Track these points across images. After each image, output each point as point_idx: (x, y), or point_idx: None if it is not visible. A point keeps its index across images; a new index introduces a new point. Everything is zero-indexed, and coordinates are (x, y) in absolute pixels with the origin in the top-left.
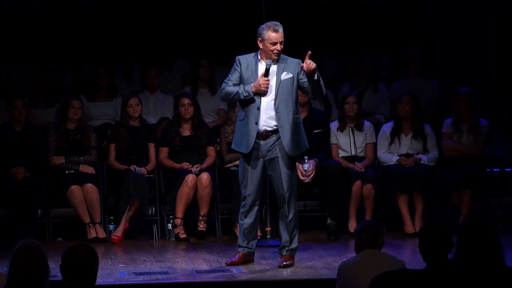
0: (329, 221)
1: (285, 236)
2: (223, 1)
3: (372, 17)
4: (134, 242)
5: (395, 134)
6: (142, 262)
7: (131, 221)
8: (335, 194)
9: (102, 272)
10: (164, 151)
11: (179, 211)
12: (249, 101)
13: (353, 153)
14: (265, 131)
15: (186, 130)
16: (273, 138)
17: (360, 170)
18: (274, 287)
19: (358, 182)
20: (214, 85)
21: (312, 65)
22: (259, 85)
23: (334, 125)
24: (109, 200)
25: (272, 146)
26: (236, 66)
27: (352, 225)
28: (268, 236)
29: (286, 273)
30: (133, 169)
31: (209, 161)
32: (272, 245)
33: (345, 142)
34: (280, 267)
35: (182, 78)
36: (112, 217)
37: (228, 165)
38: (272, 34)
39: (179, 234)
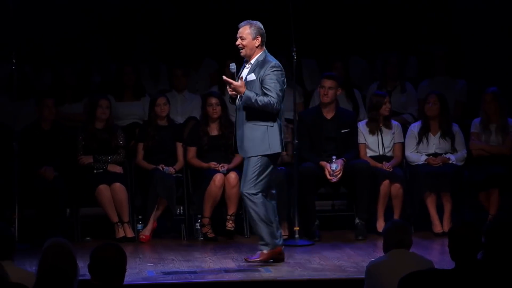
0: (357, 220)
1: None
2: (250, 1)
3: (399, 17)
4: (162, 241)
5: (423, 134)
6: (170, 262)
7: (159, 220)
8: (363, 194)
9: (130, 272)
10: (192, 150)
11: (207, 211)
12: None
13: (381, 152)
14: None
15: (213, 130)
16: None
17: (388, 169)
18: (302, 286)
19: (386, 182)
20: None
21: (232, 91)
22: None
23: (362, 125)
24: (137, 199)
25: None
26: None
27: (380, 225)
28: (296, 236)
29: (314, 273)
30: (161, 169)
31: (236, 160)
32: (301, 244)
33: (373, 142)
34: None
35: (209, 78)
36: (140, 217)
37: None
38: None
39: (207, 234)
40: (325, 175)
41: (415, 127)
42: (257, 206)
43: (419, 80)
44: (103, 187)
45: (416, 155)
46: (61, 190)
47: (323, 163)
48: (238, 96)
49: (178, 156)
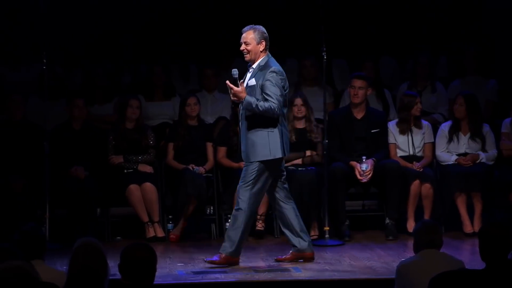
0: (387, 220)
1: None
2: (280, 1)
3: (430, 17)
4: (193, 241)
5: (453, 133)
6: (200, 261)
7: (190, 220)
8: (393, 194)
9: (161, 271)
10: (222, 150)
11: None
12: None
13: (411, 152)
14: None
15: None
16: None
17: (418, 169)
18: (332, 286)
19: (416, 182)
20: None
21: (233, 97)
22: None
23: (392, 125)
24: (167, 199)
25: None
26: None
27: (411, 225)
28: (326, 236)
29: (344, 273)
30: (191, 168)
31: None
32: (331, 244)
33: (403, 142)
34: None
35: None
36: (170, 216)
37: (286, 164)
38: (242, 35)
39: None
40: (355, 175)
41: (445, 127)
42: (242, 213)
43: (450, 80)
44: (133, 187)
45: (447, 155)
46: (91, 190)
47: (353, 163)
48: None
49: (208, 156)
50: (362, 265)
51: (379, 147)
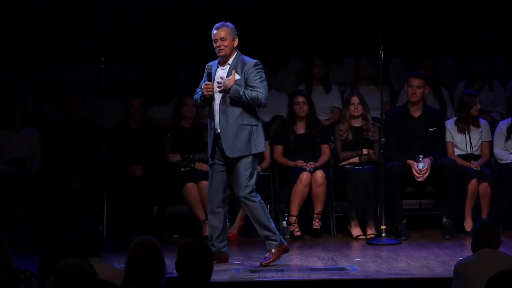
0: (444, 219)
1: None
2: (337, 0)
3: (487, 15)
4: (249, 239)
5: (511, 131)
6: (257, 260)
7: (246, 218)
8: (451, 193)
9: (217, 269)
10: (279, 149)
11: (294, 209)
12: (210, 107)
13: (468, 151)
14: (219, 133)
15: (300, 128)
16: None
17: (476, 168)
18: (389, 285)
19: (474, 181)
20: (328, 83)
21: (222, 85)
22: (202, 90)
23: (449, 123)
24: None
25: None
26: (204, 73)
27: (468, 224)
28: (383, 235)
29: (401, 272)
30: None
31: (323, 159)
32: (387, 243)
33: (461, 141)
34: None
35: (296, 76)
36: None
37: (342, 163)
38: (214, 32)
39: (294, 232)
40: (412, 174)
41: (504, 124)
42: (258, 204)
43: (507, 79)
44: (190, 185)
45: (504, 153)
46: (149, 188)
47: (410, 161)
48: (219, 99)
49: (265, 154)
50: (419, 264)
51: (436, 146)
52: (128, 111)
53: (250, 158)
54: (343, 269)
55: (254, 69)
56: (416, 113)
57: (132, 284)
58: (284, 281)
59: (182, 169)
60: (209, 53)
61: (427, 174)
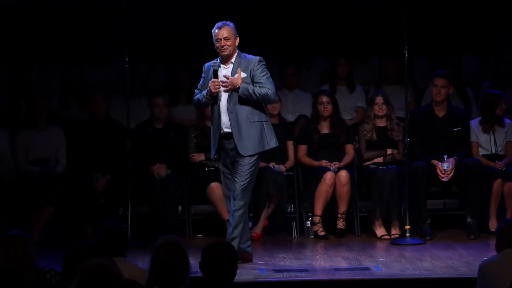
0: (469, 219)
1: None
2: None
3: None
4: (273, 239)
5: None
6: (281, 259)
7: (270, 218)
8: (475, 193)
9: (242, 269)
10: (303, 148)
11: (318, 209)
12: (213, 107)
13: (493, 151)
14: (226, 133)
15: (324, 128)
16: (233, 139)
17: (500, 168)
18: (413, 285)
19: (498, 181)
20: (353, 83)
21: (229, 84)
22: (209, 88)
23: (474, 123)
24: None
25: (234, 147)
26: (203, 74)
27: (493, 224)
28: (407, 234)
29: (425, 272)
30: (272, 167)
31: (347, 158)
32: (412, 243)
33: (485, 140)
34: None
35: (320, 76)
36: (251, 215)
37: (367, 163)
38: (216, 31)
39: (318, 232)
40: (437, 174)
41: None
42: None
43: None
44: (214, 185)
45: None
46: (173, 188)
47: (435, 161)
48: (226, 99)
49: (289, 154)
50: (443, 264)
51: (461, 146)
52: (153, 111)
53: (257, 156)
54: (367, 269)
55: (259, 65)
56: (440, 113)
57: (156, 283)
58: (308, 281)
59: (206, 169)
60: None
61: (451, 174)
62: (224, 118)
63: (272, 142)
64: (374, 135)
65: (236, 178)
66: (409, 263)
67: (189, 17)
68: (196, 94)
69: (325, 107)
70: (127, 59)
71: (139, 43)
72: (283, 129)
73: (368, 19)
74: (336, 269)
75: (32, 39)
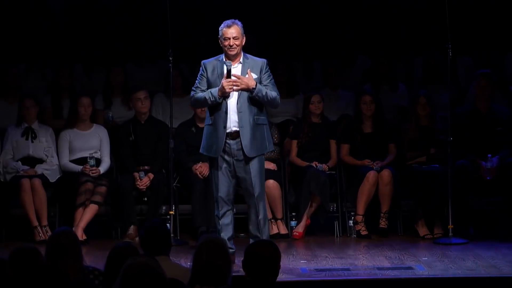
0: None
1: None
2: None
3: None
4: (316, 238)
5: None
6: (323, 259)
7: (313, 217)
8: None
9: (284, 268)
10: (346, 147)
11: (361, 208)
12: (217, 105)
13: None
14: (234, 131)
15: (367, 127)
16: (239, 139)
17: None
18: (456, 285)
19: None
20: (396, 82)
21: (243, 84)
22: (223, 87)
23: None
24: (290, 196)
25: (240, 147)
26: (202, 72)
27: None
28: (450, 234)
29: (468, 271)
30: (314, 166)
31: (390, 158)
32: (455, 242)
33: None
34: None
35: (363, 75)
36: (293, 213)
37: (409, 162)
38: (225, 29)
39: (360, 231)
40: (480, 173)
41: None
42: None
43: None
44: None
45: None
46: None
47: (478, 161)
48: (236, 98)
49: (332, 153)
50: (486, 264)
51: (504, 145)
52: (195, 110)
53: (263, 157)
54: (410, 268)
55: (266, 69)
56: (484, 112)
57: (198, 282)
58: (351, 280)
59: None
60: (274, 51)
61: (495, 173)
62: (233, 117)
63: (271, 146)
64: (417, 134)
65: (252, 179)
66: (452, 262)
67: (233, 17)
68: (197, 92)
69: (368, 106)
70: (170, 59)
71: (183, 42)
72: (325, 129)
73: (412, 18)
74: (379, 268)
75: (75, 39)
